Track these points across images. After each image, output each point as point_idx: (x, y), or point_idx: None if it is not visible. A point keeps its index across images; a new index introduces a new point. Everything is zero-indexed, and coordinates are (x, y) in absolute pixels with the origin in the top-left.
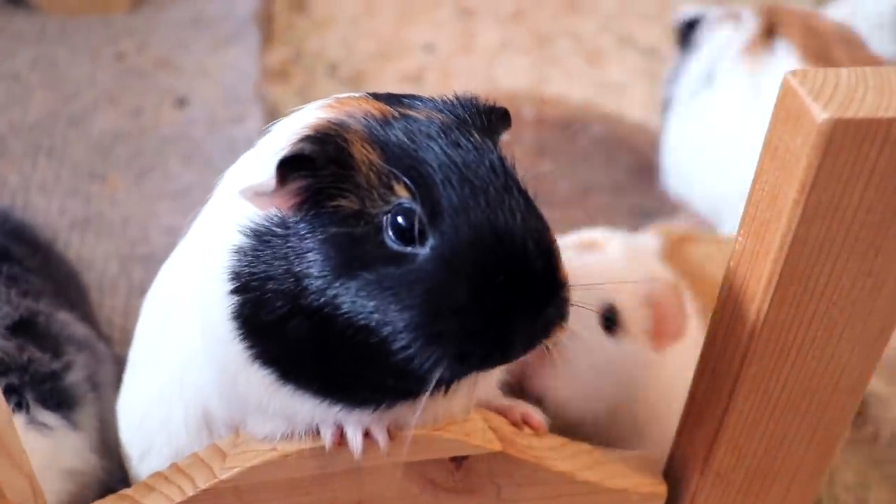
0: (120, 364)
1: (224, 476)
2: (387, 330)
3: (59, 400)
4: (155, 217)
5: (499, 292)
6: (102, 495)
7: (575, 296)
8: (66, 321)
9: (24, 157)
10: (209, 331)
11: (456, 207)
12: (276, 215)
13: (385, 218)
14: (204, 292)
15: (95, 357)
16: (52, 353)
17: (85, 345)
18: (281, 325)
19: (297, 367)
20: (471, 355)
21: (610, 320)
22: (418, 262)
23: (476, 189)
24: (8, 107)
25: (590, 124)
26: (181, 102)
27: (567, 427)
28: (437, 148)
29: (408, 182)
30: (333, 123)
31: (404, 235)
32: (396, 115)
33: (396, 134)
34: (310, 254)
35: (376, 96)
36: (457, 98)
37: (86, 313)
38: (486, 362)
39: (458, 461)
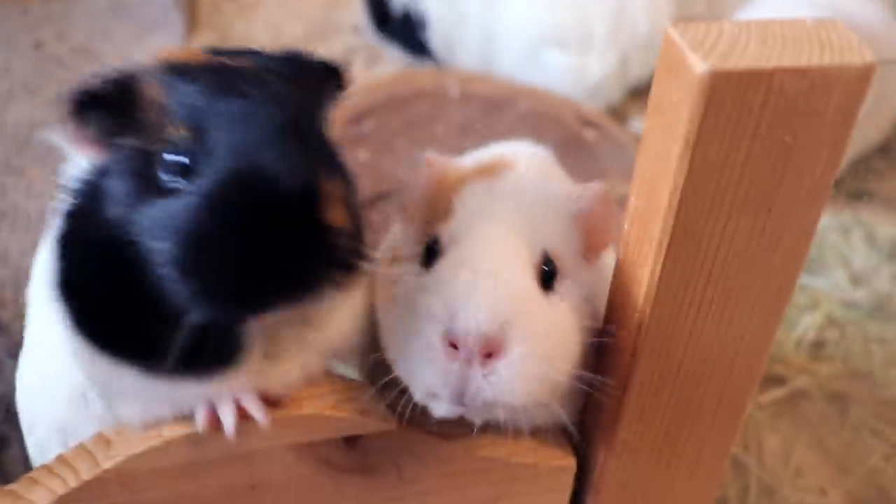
0: None
1: (107, 465)
2: (157, 267)
3: None
4: None
5: (249, 235)
6: None
7: None
8: None
9: None
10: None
11: (222, 150)
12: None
13: (162, 155)
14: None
15: None
16: None
17: None
18: (83, 272)
19: (100, 323)
20: (221, 298)
21: (549, 274)
22: (184, 197)
23: (246, 133)
24: None
25: (516, 100)
26: None
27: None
28: (227, 92)
29: (184, 119)
30: (133, 66)
31: (176, 172)
32: (206, 61)
33: (189, 77)
34: (107, 194)
35: (211, 49)
36: (286, 52)
37: None
38: (240, 307)
39: (351, 441)
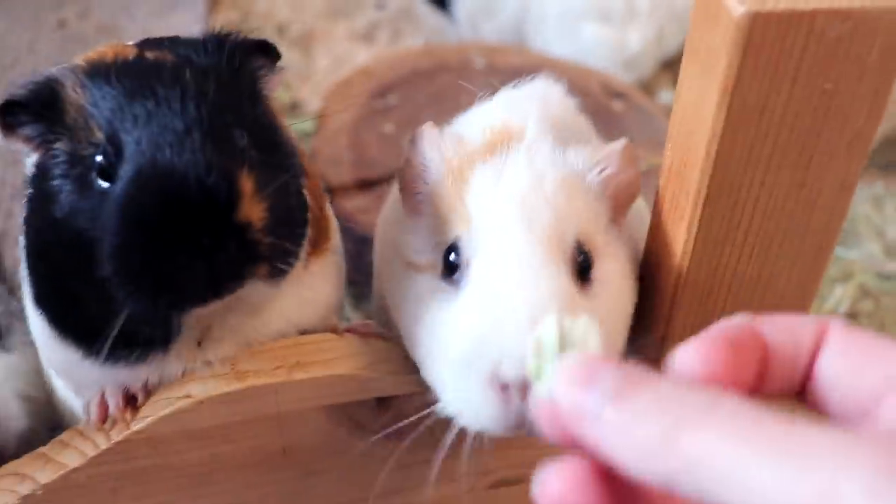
0: None
1: (137, 427)
2: (92, 264)
3: None
4: None
5: (158, 235)
6: None
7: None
8: None
9: None
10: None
11: (132, 147)
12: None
13: (94, 159)
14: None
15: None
16: None
17: None
18: (36, 259)
19: (50, 304)
20: (143, 292)
21: (585, 265)
22: (107, 200)
23: (154, 132)
24: None
25: (541, 72)
26: None
27: None
28: (141, 90)
29: (101, 122)
30: (59, 70)
31: (104, 175)
32: (130, 58)
33: (111, 77)
34: (47, 194)
35: (143, 42)
36: (205, 38)
37: None
38: (161, 301)
39: (384, 402)
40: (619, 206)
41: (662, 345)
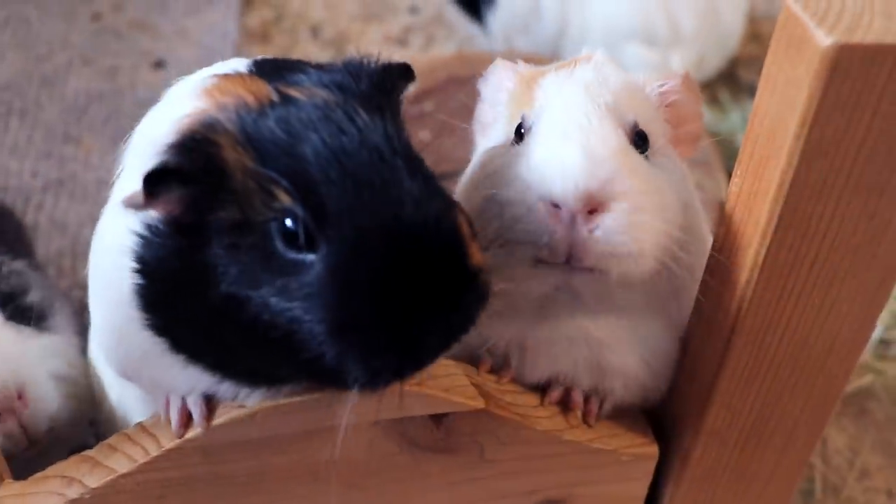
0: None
1: (190, 435)
2: (299, 339)
3: (27, 315)
4: None
5: (400, 297)
6: None
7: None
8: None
9: None
10: (112, 293)
11: (340, 207)
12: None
13: (272, 225)
14: (110, 259)
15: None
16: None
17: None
18: (183, 312)
19: (198, 347)
20: (383, 369)
21: (641, 139)
22: (313, 272)
23: (359, 181)
24: None
25: None
26: (158, 64)
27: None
28: (315, 139)
29: (287, 186)
30: (203, 126)
31: (294, 243)
32: (275, 100)
33: (272, 128)
34: (205, 261)
35: (260, 68)
36: (345, 64)
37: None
38: (402, 372)
39: (438, 419)
40: (681, 134)
41: (717, 371)
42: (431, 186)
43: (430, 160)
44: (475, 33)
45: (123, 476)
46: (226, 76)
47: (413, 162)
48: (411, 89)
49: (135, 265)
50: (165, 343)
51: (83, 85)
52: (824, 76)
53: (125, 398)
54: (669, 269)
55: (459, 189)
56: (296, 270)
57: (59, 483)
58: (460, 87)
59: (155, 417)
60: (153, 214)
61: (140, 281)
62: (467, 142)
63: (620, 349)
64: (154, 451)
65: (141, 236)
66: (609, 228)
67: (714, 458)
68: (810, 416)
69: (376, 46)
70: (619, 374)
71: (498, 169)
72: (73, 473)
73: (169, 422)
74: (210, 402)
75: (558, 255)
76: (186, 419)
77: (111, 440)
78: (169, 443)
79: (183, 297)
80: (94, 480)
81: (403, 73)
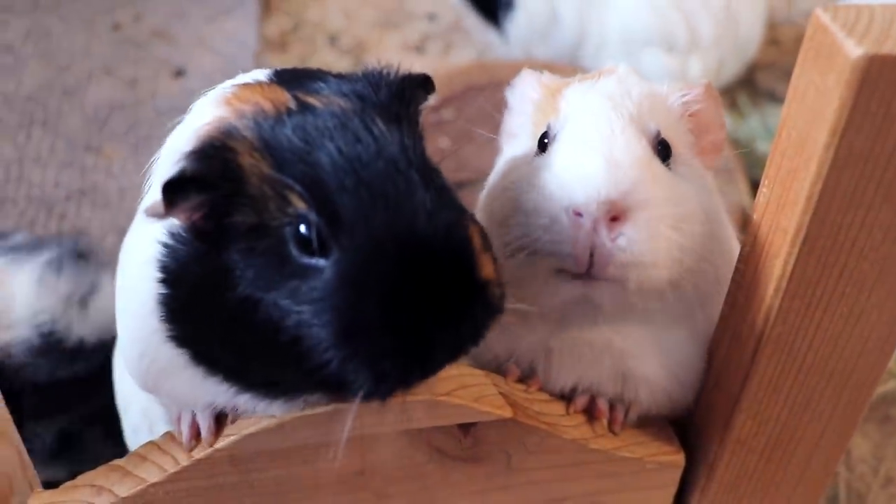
0: None
1: (219, 444)
2: (306, 344)
3: None
4: None
5: (408, 305)
6: None
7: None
8: None
9: (19, 129)
10: (137, 305)
11: (354, 214)
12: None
13: (287, 230)
14: (136, 271)
15: None
16: None
17: None
18: (202, 319)
19: (214, 359)
20: (389, 375)
21: (664, 150)
22: (324, 277)
23: (374, 191)
24: (1, 78)
25: None
26: (179, 73)
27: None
28: (332, 147)
29: (302, 192)
30: (220, 133)
31: (307, 248)
32: (293, 107)
33: (288, 135)
34: (223, 265)
35: (280, 77)
36: (365, 74)
37: None
38: (407, 380)
39: (465, 428)
40: (704, 144)
41: (745, 380)
42: (445, 198)
43: (449, 168)
44: (493, 41)
45: (153, 485)
46: (245, 85)
47: (428, 173)
48: (431, 100)
49: (159, 275)
50: (186, 354)
51: (104, 95)
52: (854, 87)
53: (151, 410)
54: (695, 278)
55: (482, 197)
56: (307, 275)
57: (89, 492)
58: (479, 94)
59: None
60: (176, 223)
61: (164, 290)
62: (487, 150)
63: (644, 358)
64: (183, 461)
65: (165, 245)
66: (631, 237)
67: (740, 466)
68: (837, 425)
69: (394, 54)
70: (643, 383)
71: (521, 178)
72: (103, 482)
73: (181, 435)
74: (220, 418)
75: (581, 264)
76: (196, 433)
77: (140, 449)
78: (199, 452)
79: (202, 302)
80: (125, 490)
81: (423, 83)
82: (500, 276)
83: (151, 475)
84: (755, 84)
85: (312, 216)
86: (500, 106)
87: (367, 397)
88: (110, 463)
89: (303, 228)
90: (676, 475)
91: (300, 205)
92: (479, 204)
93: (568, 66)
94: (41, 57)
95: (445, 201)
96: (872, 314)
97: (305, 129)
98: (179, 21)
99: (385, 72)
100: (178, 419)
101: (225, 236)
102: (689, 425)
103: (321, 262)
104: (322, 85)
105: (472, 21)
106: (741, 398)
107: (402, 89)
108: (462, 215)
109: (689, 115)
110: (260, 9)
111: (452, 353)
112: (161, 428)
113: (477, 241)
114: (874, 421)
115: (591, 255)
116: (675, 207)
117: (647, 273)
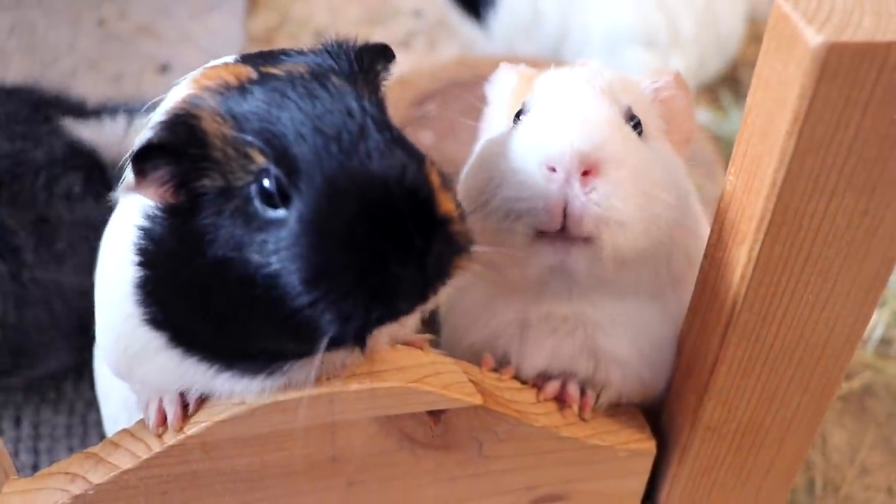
0: None
1: (191, 431)
2: (277, 295)
3: None
4: None
5: (368, 244)
6: None
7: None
8: None
9: None
10: (113, 291)
11: (310, 161)
12: (161, 201)
13: (252, 188)
14: (114, 257)
15: None
16: None
17: None
18: (178, 294)
19: (192, 335)
20: (354, 315)
21: (636, 124)
22: (289, 226)
23: (328, 138)
24: None
25: None
26: (164, 69)
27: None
28: (290, 104)
29: (261, 146)
30: (185, 104)
31: (270, 201)
32: (255, 77)
33: (250, 100)
34: (195, 234)
35: (245, 57)
36: (325, 46)
37: None
38: (372, 319)
39: (436, 415)
40: (674, 131)
41: (713, 367)
42: (400, 140)
43: None
44: (477, 37)
45: (126, 472)
46: (212, 66)
47: (384, 124)
48: (393, 70)
49: (136, 258)
50: (163, 337)
51: (89, 90)
52: (814, 75)
53: (130, 399)
54: (667, 255)
55: (461, 178)
56: (273, 227)
57: (63, 479)
58: (463, 90)
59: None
60: (151, 204)
61: (140, 273)
62: (470, 145)
63: (615, 333)
64: (156, 448)
65: (141, 228)
66: (604, 192)
67: (711, 453)
68: (807, 411)
69: None
70: (613, 362)
71: (497, 148)
72: (77, 470)
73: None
74: (185, 406)
75: (555, 219)
76: (163, 419)
77: (114, 437)
78: (171, 439)
79: (177, 276)
80: (98, 476)
81: (381, 51)
82: (464, 216)
83: (124, 462)
84: (738, 80)
85: (272, 168)
86: (483, 101)
87: (336, 341)
88: (85, 450)
89: (266, 183)
90: (648, 462)
91: (261, 160)
92: (459, 186)
93: (550, 63)
94: (26, 52)
95: (401, 143)
96: (838, 301)
97: (266, 94)
98: (165, 16)
99: (344, 42)
100: (147, 405)
101: (195, 206)
102: (660, 413)
103: (284, 212)
104: (284, 57)
105: (457, 18)
106: (710, 385)
107: (360, 57)
108: (419, 156)
109: (660, 101)
110: (245, 4)
111: (416, 289)
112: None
113: (435, 179)
114: (851, 413)
115: (566, 214)
116: (647, 171)
117: (621, 232)
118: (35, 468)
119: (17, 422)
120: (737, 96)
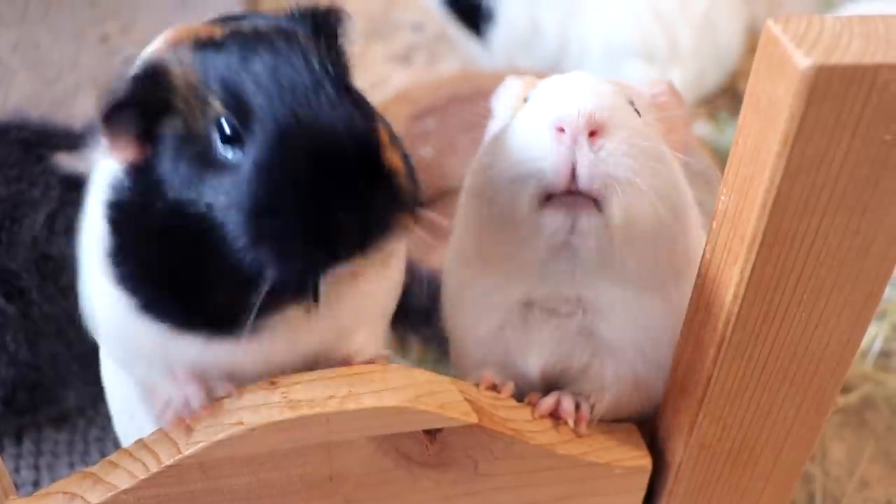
0: None
1: (189, 451)
2: (228, 238)
3: None
4: None
5: (311, 189)
6: None
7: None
8: None
9: None
10: (94, 270)
11: (264, 109)
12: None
13: (209, 134)
14: (90, 240)
15: None
16: None
17: None
18: (142, 250)
19: (157, 296)
20: (294, 257)
21: (637, 113)
22: (240, 170)
23: (283, 88)
24: None
25: None
26: None
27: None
28: (255, 58)
29: (220, 93)
30: (153, 59)
31: (226, 144)
32: (225, 32)
33: (215, 52)
34: (156, 184)
35: (217, 20)
36: (290, 10)
37: None
38: (313, 263)
39: (432, 434)
40: (666, 140)
41: (707, 386)
42: (354, 96)
43: (432, 177)
44: (476, 51)
45: (124, 492)
46: (181, 26)
47: (339, 79)
48: (351, 31)
49: (107, 227)
50: (136, 301)
51: (92, 107)
52: (804, 97)
53: (129, 396)
54: (670, 245)
55: (466, 178)
56: (226, 170)
57: (61, 499)
58: (463, 104)
59: (155, 434)
60: (117, 173)
61: (110, 240)
62: (469, 159)
63: (614, 321)
64: (154, 468)
65: (109, 201)
66: (612, 150)
67: (706, 470)
68: (802, 428)
69: (380, 64)
70: (608, 349)
71: (505, 130)
72: (76, 489)
73: (167, 439)
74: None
75: (563, 177)
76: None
77: (112, 457)
78: (169, 459)
79: (139, 230)
80: (96, 496)
81: (334, 12)
82: (412, 173)
83: (122, 482)
84: (737, 92)
85: (228, 114)
86: (484, 116)
87: (278, 284)
88: (84, 470)
89: (224, 126)
90: (644, 480)
91: (219, 107)
92: (464, 186)
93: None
94: (29, 69)
95: (354, 99)
96: (831, 320)
97: (233, 48)
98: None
99: (306, 7)
100: (166, 405)
101: (158, 157)
102: (655, 430)
103: (238, 156)
104: (253, 17)
105: (457, 32)
106: (705, 403)
107: (314, 18)
108: (370, 111)
109: (657, 107)
110: None
111: (359, 239)
112: (140, 413)
113: (383, 135)
114: (850, 426)
115: (574, 176)
116: (651, 146)
117: (629, 194)
118: (36, 484)
119: (19, 438)
120: (736, 108)
